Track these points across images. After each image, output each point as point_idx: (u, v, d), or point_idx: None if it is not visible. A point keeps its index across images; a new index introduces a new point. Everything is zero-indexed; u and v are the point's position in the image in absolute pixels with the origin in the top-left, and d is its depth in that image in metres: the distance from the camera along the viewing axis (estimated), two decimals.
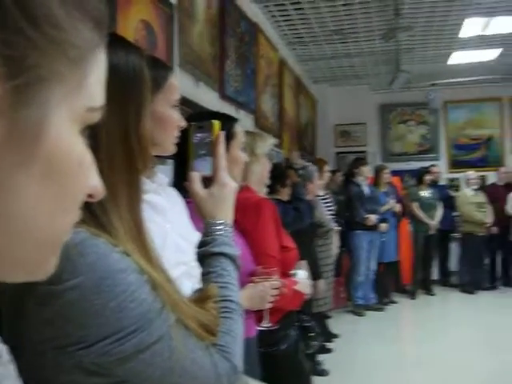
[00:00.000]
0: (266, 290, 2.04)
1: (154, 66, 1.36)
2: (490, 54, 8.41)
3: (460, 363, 5.04)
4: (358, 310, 7.13)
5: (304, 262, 2.87)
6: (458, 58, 8.48)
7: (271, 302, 2.07)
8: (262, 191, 2.60)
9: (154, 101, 1.28)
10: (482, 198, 8.60)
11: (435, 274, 8.94)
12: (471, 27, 7.06)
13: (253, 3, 5.90)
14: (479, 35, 7.36)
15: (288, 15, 6.54)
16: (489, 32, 7.26)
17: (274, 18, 6.60)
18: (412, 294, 8.14)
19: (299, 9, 6.34)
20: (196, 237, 1.24)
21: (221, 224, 1.18)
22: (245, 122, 5.27)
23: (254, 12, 5.94)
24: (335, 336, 5.96)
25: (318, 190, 5.70)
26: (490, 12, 6.60)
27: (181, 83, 1.56)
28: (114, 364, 0.85)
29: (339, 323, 6.44)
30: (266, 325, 2.15)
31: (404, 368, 5.10)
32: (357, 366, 5.16)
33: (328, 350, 5.42)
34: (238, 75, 5.23)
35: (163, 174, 1.48)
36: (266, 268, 2.07)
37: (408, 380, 4.80)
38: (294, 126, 8.05)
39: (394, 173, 8.46)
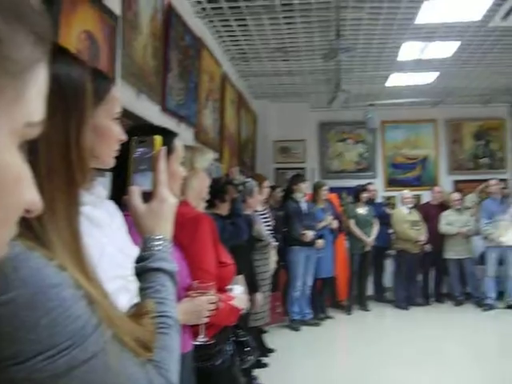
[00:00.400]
0: (202, 305, 2.04)
1: (96, 77, 1.35)
2: (427, 78, 8.66)
3: (394, 377, 5.14)
4: (294, 325, 7.18)
5: (241, 277, 2.88)
6: (395, 79, 8.69)
7: (207, 317, 2.07)
8: (200, 206, 2.59)
9: (95, 113, 1.27)
10: (416, 216, 8.82)
11: (370, 290, 9.10)
12: (409, 51, 7.26)
13: (197, 18, 5.92)
14: (417, 59, 7.57)
15: (232, 31, 6.59)
16: (426, 56, 7.48)
17: (218, 33, 6.64)
18: (348, 310, 8.26)
19: (243, 25, 6.40)
20: (134, 251, 1.23)
21: (159, 239, 1.18)
22: (185, 136, 5.26)
23: (199, 26, 5.95)
24: (271, 351, 5.98)
25: (257, 205, 5.73)
26: (428, 37, 6.81)
27: (123, 95, 1.55)
28: (46, 381, 0.84)
29: (275, 338, 6.46)
30: (201, 339, 2.14)
31: (340, 383, 5.15)
32: (292, 381, 5.19)
33: (264, 365, 5.43)
34: (180, 89, 5.22)
35: (102, 187, 1.46)
36: (202, 283, 2.07)
37: None
38: (234, 140, 8.08)
39: (332, 190, 8.59)
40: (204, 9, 5.85)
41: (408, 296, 8.70)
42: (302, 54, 7.44)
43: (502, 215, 8.41)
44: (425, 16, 6.09)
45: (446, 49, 7.29)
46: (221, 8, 5.85)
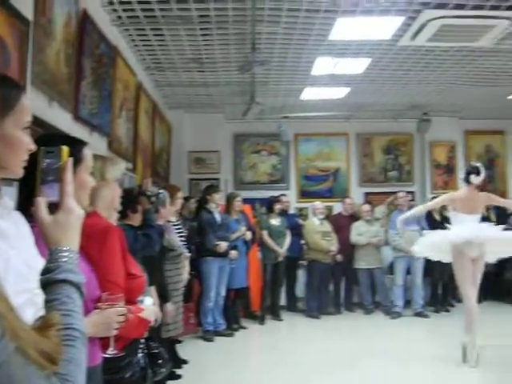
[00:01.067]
0: (111, 317, 2.02)
1: (6, 85, 1.33)
2: (339, 92, 8.89)
3: None
4: (207, 336, 7.17)
5: (152, 289, 2.87)
6: (309, 93, 8.88)
7: (116, 329, 2.06)
8: (112, 217, 2.57)
9: (3, 122, 1.25)
10: (327, 227, 9.01)
11: (283, 300, 9.20)
12: (322, 66, 7.44)
13: (113, 26, 5.86)
14: (330, 74, 7.77)
15: (147, 40, 6.55)
16: (338, 71, 7.68)
17: (134, 42, 6.58)
18: (261, 320, 8.32)
19: (159, 35, 6.38)
20: (41, 263, 1.22)
21: (66, 251, 1.17)
22: (98, 146, 5.18)
23: (114, 35, 5.89)
24: (184, 362, 5.94)
25: (170, 215, 5.71)
26: (340, 53, 7.00)
27: (33, 103, 1.53)
28: None
29: (189, 349, 6.44)
30: (111, 352, 2.12)
31: None
32: None
33: (177, 377, 5.40)
34: (93, 97, 5.14)
35: (8, 198, 1.43)
36: (111, 294, 2.06)
37: None
38: (148, 151, 8.00)
39: (246, 201, 8.64)
40: (120, 17, 5.80)
41: (320, 305, 8.87)
42: (218, 66, 7.49)
43: (408, 226, 8.72)
44: (338, 33, 6.27)
45: (358, 65, 7.52)
46: (137, 17, 5.81)
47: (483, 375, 5.61)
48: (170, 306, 4.83)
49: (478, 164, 6.04)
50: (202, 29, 6.18)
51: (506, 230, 6.30)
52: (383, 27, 6.22)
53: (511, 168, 11.65)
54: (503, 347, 6.24)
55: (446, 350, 6.37)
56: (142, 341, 2.63)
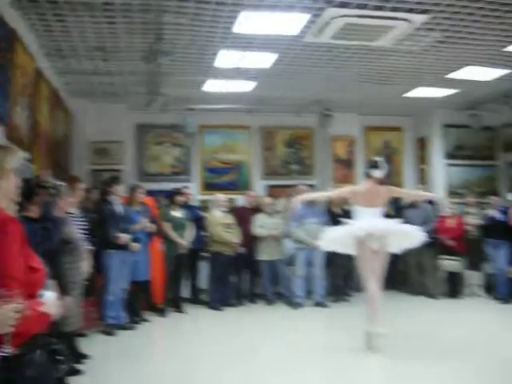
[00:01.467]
0: (6, 314, 1.96)
1: None
2: (246, 86, 8.94)
3: (211, 377, 5.25)
4: (109, 330, 7.03)
5: (53, 282, 2.78)
6: (214, 85, 8.88)
7: (13, 326, 1.99)
8: (10, 208, 2.48)
9: None
10: (230, 219, 9.05)
11: (185, 292, 9.18)
12: (228, 58, 7.46)
13: (12, 8, 5.62)
14: (236, 67, 7.80)
15: (49, 26, 6.33)
16: (245, 65, 7.73)
17: (34, 26, 6.34)
18: (163, 312, 8.25)
19: (61, 20, 6.18)
20: None
21: None
22: None
23: (13, 17, 5.65)
24: (85, 357, 5.80)
25: (70, 207, 5.56)
26: (245, 47, 7.04)
27: None
28: None
29: (90, 344, 6.29)
30: (7, 350, 2.05)
31: None
32: None
33: (78, 372, 5.27)
34: None
35: None
36: (7, 290, 1.99)
37: None
38: (47, 140, 7.74)
39: (148, 192, 8.51)
40: (19, 0, 5.57)
41: (222, 297, 8.90)
42: (122, 55, 7.35)
43: (309, 219, 8.93)
44: (242, 26, 6.30)
45: (265, 59, 7.59)
46: (37, 1, 5.60)
47: (384, 362, 5.81)
48: (68, 300, 4.71)
49: (380, 159, 6.26)
50: (106, 16, 6.05)
51: (403, 223, 6.60)
52: (289, 23, 6.32)
53: (408, 163, 12.16)
54: (402, 335, 6.58)
55: (347, 338, 6.59)
56: (42, 337, 2.55)
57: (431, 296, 9.57)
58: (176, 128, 10.48)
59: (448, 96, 10.02)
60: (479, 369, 5.44)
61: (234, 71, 8.02)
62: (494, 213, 9.31)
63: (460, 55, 7.58)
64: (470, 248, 9.61)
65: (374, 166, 6.19)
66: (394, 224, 6.31)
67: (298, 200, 6.27)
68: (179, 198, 8.70)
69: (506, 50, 7.29)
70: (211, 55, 7.36)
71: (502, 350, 6.15)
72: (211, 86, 8.90)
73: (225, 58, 7.45)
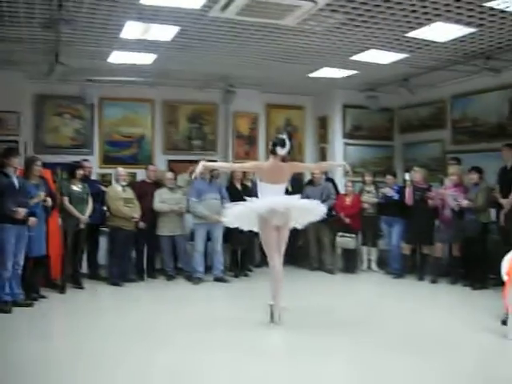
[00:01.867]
0: None
1: None
2: (147, 58, 8.79)
3: (113, 353, 5.19)
4: (4, 307, 6.78)
5: None
6: (117, 57, 8.66)
7: None
8: None
9: None
10: (130, 193, 8.96)
11: (84, 268, 9.02)
12: (131, 30, 7.29)
13: None
14: (138, 39, 7.64)
15: None
16: (147, 37, 7.58)
17: None
18: (61, 288, 8.06)
19: None
20: None
21: None
22: None
23: None
24: None
25: None
26: (150, 19, 6.91)
27: None
28: None
29: None
30: None
31: (63, 363, 5.00)
32: (9, 365, 4.91)
33: None
34: None
35: None
36: None
37: (84, 376, 4.69)
38: None
39: (46, 165, 8.22)
40: None
41: (122, 272, 8.82)
42: (21, 21, 6.98)
43: (209, 194, 8.99)
44: None
45: (167, 32, 7.47)
46: None
47: (286, 334, 5.98)
48: None
49: (284, 136, 6.34)
50: None
51: (302, 198, 6.78)
52: None
53: (309, 141, 12.42)
54: (302, 308, 6.83)
55: (248, 312, 6.76)
56: None
57: (329, 271, 9.90)
58: (76, 99, 10.14)
59: (348, 77, 10.27)
60: (375, 338, 5.74)
61: (138, 43, 7.86)
62: (389, 191, 9.70)
63: (362, 38, 7.78)
64: (366, 225, 9.99)
65: (279, 143, 6.28)
66: (296, 200, 6.47)
67: (202, 166, 6.25)
68: (78, 172, 8.50)
69: (406, 35, 7.54)
70: (117, 26, 7.16)
71: (393, 321, 6.56)
72: (117, 57, 8.67)
73: (130, 30, 7.27)
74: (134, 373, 4.72)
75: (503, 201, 8.20)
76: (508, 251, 6.01)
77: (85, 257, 9.03)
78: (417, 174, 9.43)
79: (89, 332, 5.97)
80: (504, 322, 5.86)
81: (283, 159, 6.30)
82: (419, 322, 6.57)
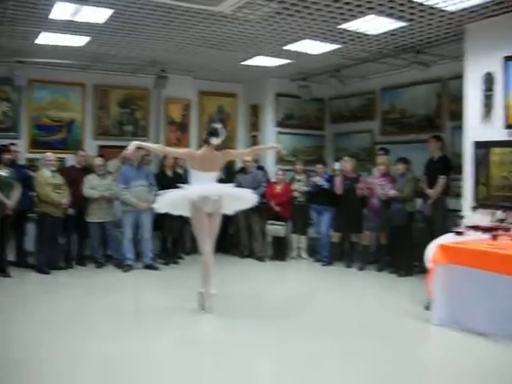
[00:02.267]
0: None
1: None
2: (79, 41, 8.59)
3: (32, 343, 5.10)
4: None
5: None
6: (46, 38, 8.42)
7: None
8: None
9: None
10: (59, 179, 8.79)
11: (11, 255, 8.79)
12: (62, 10, 7.10)
13: None
14: (69, 20, 7.46)
15: None
16: (79, 19, 7.41)
17: None
18: None
19: None
20: None
21: None
22: None
23: None
24: None
25: None
26: (83, 0, 6.76)
27: None
28: None
29: None
30: None
31: None
32: None
33: None
34: None
35: None
36: None
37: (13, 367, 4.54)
38: None
39: None
40: None
41: (50, 260, 8.66)
42: None
43: (137, 181, 8.94)
44: None
45: (100, 15, 7.31)
46: None
47: (216, 321, 6.04)
48: None
49: (219, 126, 6.37)
50: None
51: (235, 187, 6.84)
52: None
53: (241, 128, 12.48)
54: (232, 295, 6.99)
55: (178, 300, 6.80)
56: None
57: (259, 259, 10.00)
58: (4, 81, 9.84)
59: (281, 66, 10.35)
60: (302, 324, 5.91)
61: (67, 24, 7.66)
62: (319, 180, 9.85)
63: (296, 28, 7.84)
64: (296, 213, 10.12)
65: (214, 133, 6.30)
66: (227, 187, 6.53)
67: (134, 145, 6.19)
68: (5, 156, 8.33)
69: (340, 26, 7.65)
70: (46, 6, 6.96)
71: (321, 307, 6.76)
72: (45, 39, 8.42)
73: (61, 11, 7.09)
74: (64, 361, 4.67)
75: (429, 191, 8.49)
76: (432, 240, 6.25)
77: (12, 244, 8.81)
78: (346, 164, 9.62)
79: (16, 321, 5.85)
80: (427, 308, 6.12)
81: (217, 148, 6.33)
82: (346, 308, 6.77)
